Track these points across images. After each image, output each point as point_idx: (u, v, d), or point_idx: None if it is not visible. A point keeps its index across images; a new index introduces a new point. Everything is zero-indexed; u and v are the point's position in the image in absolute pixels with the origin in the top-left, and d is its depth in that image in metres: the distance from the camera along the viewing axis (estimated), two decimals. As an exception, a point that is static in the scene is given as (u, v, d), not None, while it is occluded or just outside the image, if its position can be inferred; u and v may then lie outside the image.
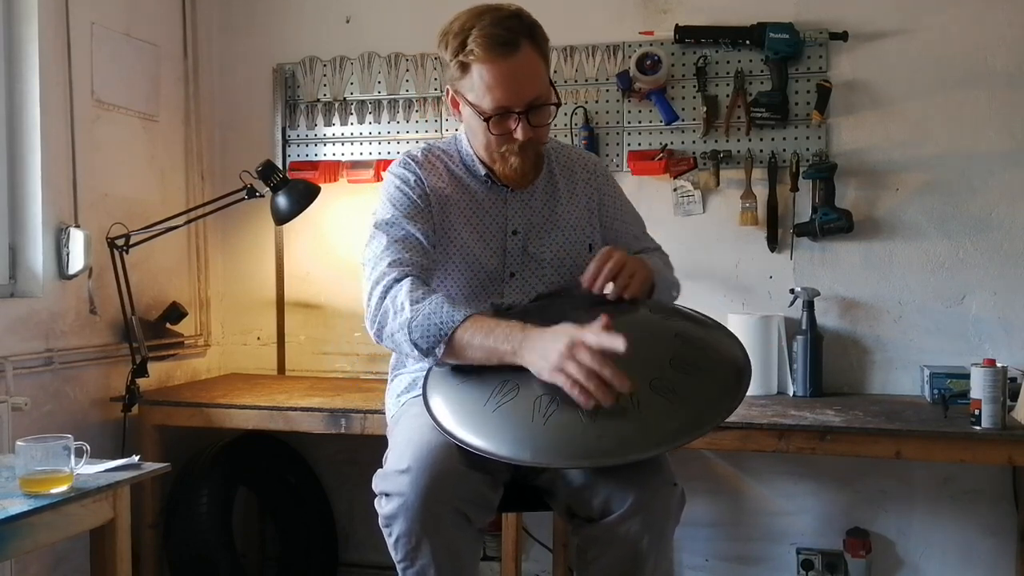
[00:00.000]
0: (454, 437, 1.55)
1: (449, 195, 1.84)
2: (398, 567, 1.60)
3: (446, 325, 1.61)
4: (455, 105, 1.80)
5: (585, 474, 1.63)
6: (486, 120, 1.73)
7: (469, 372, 1.64)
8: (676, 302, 1.93)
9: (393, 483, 1.56)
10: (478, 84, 1.70)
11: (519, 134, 1.73)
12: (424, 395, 1.66)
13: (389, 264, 1.72)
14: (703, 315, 1.82)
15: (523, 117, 1.72)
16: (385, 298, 1.69)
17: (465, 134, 1.88)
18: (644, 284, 1.78)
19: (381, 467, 1.67)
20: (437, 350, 1.63)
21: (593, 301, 1.91)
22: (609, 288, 1.74)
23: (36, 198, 2.57)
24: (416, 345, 1.64)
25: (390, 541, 1.59)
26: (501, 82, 1.69)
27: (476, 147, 1.84)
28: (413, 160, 1.86)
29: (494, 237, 1.85)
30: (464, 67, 1.71)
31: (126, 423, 2.70)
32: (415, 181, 1.83)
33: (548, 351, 1.52)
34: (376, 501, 1.61)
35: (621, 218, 1.98)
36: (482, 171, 1.85)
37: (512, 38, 1.68)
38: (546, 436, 1.50)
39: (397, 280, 1.70)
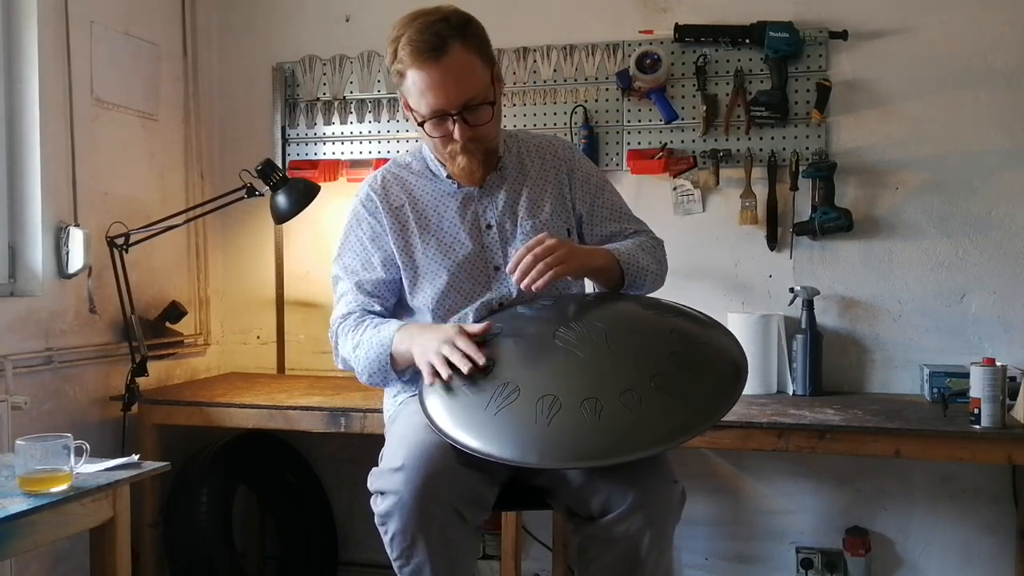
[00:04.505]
0: (458, 443, 1.55)
1: (411, 211, 1.89)
2: (394, 565, 1.61)
3: (382, 358, 1.77)
4: (408, 109, 1.84)
5: (585, 473, 1.64)
6: (421, 124, 1.79)
7: (466, 376, 1.64)
8: (675, 301, 1.92)
9: (387, 481, 1.57)
10: (412, 90, 1.76)
11: (456, 135, 1.77)
12: (421, 399, 1.67)
13: (334, 319, 1.90)
14: (700, 313, 1.82)
15: (459, 118, 1.76)
16: (337, 350, 1.89)
17: None
18: (569, 272, 1.72)
19: (376, 466, 1.68)
20: (390, 379, 1.80)
21: (594, 298, 1.91)
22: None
23: (35, 197, 2.56)
24: (377, 385, 1.84)
25: (386, 539, 1.60)
26: (431, 86, 1.73)
27: (431, 149, 1.89)
28: (372, 189, 1.92)
29: (469, 234, 1.87)
30: (400, 75, 1.77)
31: (126, 422, 2.70)
32: (367, 216, 1.90)
33: (427, 345, 1.69)
34: (372, 499, 1.62)
35: (595, 195, 1.97)
36: (444, 172, 1.89)
37: (439, 42, 1.71)
38: (551, 438, 1.51)
39: (341, 325, 1.87)
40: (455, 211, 1.88)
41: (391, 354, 1.75)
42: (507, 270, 1.74)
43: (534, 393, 1.56)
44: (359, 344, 1.80)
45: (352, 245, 1.92)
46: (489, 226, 1.88)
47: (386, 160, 3.06)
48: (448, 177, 1.88)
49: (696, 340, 1.71)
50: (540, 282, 1.68)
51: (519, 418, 1.54)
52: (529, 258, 1.69)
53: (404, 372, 1.79)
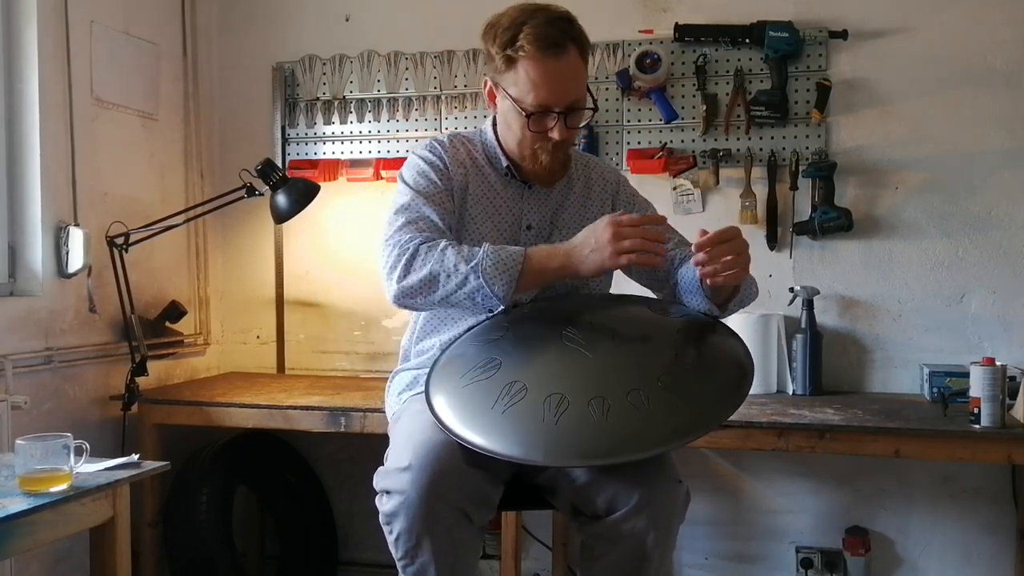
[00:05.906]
0: (465, 440, 1.55)
1: (469, 183, 1.87)
2: (398, 564, 1.61)
3: (514, 269, 1.68)
4: (492, 97, 1.83)
5: (589, 471, 1.64)
6: (527, 116, 1.75)
7: (473, 374, 1.64)
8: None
9: (394, 480, 1.57)
10: (523, 80, 1.74)
11: (555, 134, 1.77)
12: (427, 397, 1.66)
13: (410, 236, 1.74)
14: (704, 314, 1.82)
15: (561, 118, 1.76)
16: (413, 261, 1.71)
17: (492, 127, 1.89)
18: (737, 279, 1.69)
19: (382, 465, 1.67)
20: (510, 291, 1.69)
21: (600, 299, 1.92)
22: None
23: (35, 197, 2.56)
24: (496, 295, 1.69)
25: (390, 539, 1.59)
26: (547, 81, 1.73)
27: (508, 141, 1.85)
28: (440, 144, 1.88)
29: (508, 230, 1.87)
30: (510, 61, 1.74)
31: (125, 422, 2.70)
32: (439, 164, 1.85)
33: (597, 243, 1.67)
34: (377, 499, 1.62)
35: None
36: (504, 163, 1.87)
37: (562, 39, 1.73)
38: (558, 436, 1.51)
39: (424, 243, 1.72)
40: (502, 203, 1.87)
41: (524, 269, 1.69)
42: (694, 247, 1.66)
43: (541, 392, 1.56)
44: (472, 258, 1.69)
45: (419, 184, 1.82)
46: (529, 227, 1.88)
47: (386, 160, 3.09)
48: (506, 169, 1.87)
49: (702, 341, 1.72)
50: (720, 279, 1.65)
51: (526, 416, 1.54)
52: (724, 248, 1.64)
53: (524, 291, 1.74)
